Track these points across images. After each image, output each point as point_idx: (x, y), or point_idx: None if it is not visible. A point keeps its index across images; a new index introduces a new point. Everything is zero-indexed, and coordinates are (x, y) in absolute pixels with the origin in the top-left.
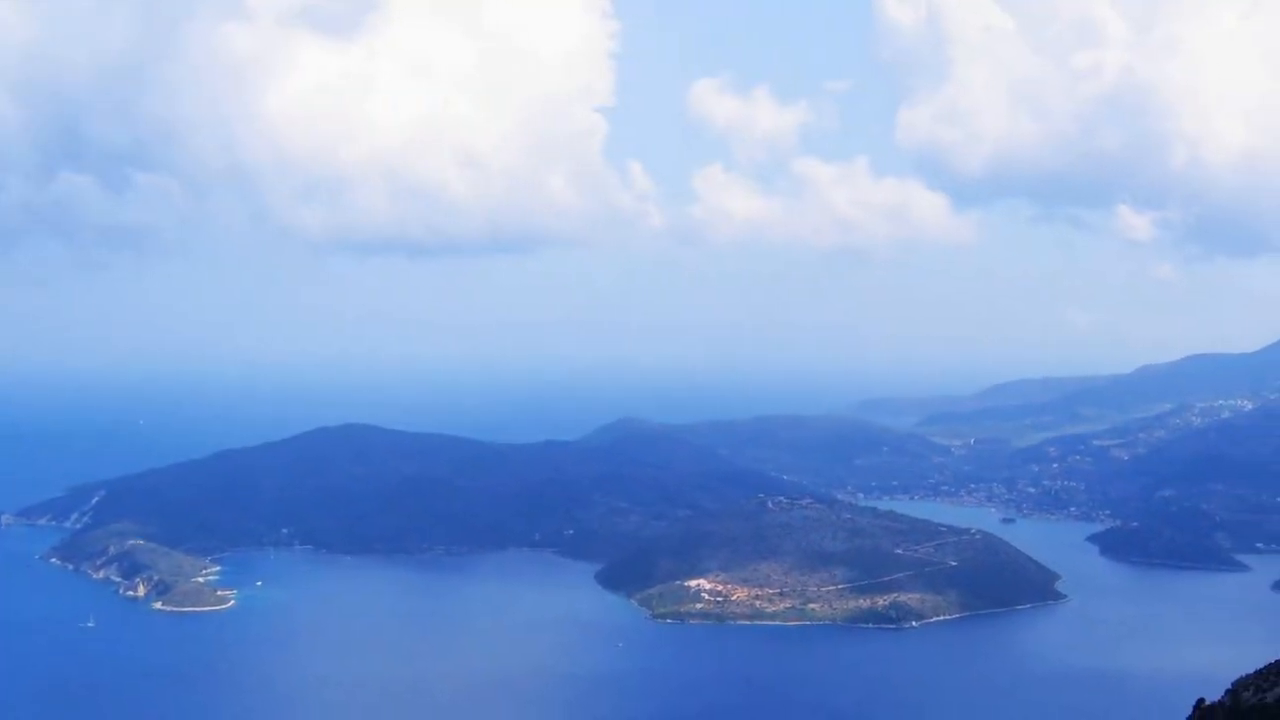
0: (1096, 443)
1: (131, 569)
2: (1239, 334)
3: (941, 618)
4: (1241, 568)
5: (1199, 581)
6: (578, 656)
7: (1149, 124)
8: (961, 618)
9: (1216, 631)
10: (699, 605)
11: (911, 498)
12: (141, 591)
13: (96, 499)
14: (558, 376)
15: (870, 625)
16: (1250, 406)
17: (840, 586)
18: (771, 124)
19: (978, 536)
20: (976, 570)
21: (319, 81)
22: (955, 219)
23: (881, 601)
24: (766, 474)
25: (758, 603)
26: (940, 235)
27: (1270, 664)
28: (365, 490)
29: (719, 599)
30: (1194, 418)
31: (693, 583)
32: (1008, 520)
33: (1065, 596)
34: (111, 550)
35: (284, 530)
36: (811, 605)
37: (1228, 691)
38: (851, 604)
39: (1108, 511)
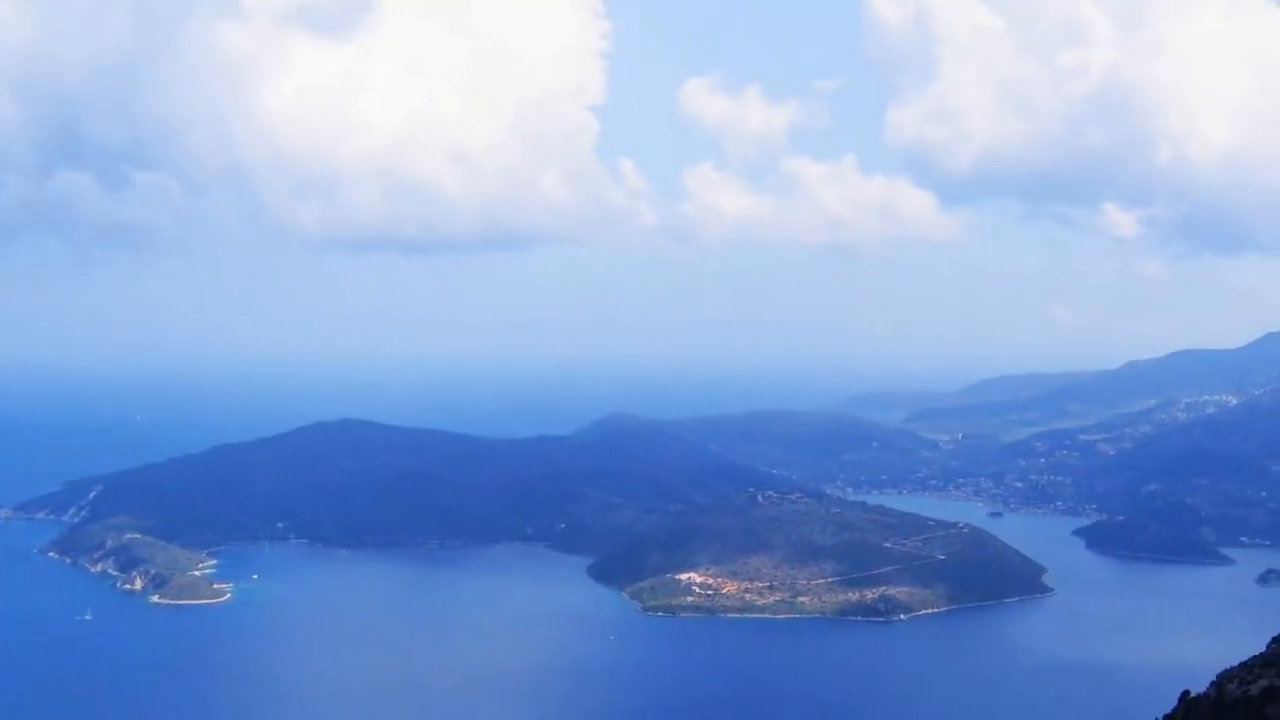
0: (1083, 438)
1: (129, 563)
2: (1224, 330)
3: (929, 611)
4: (1226, 561)
5: (1184, 575)
6: (570, 649)
7: (1135, 123)
8: (949, 611)
9: (1201, 624)
10: (690, 598)
11: (900, 492)
12: (139, 585)
13: (94, 493)
14: (550, 372)
15: (859, 618)
16: (1235, 402)
17: (829, 580)
18: (762, 122)
19: (965, 530)
20: (964, 564)
21: (314, 80)
22: (943, 217)
23: (870, 595)
24: (757, 469)
25: (748, 596)
26: (929, 233)
27: (1254, 656)
28: (360, 485)
29: (709, 592)
30: (1179, 413)
31: (683, 576)
32: (995, 514)
33: (1052, 590)
34: (109, 544)
35: (280, 524)
36: (801, 598)
37: (1212, 684)
38: (840, 597)
39: (1094, 506)
